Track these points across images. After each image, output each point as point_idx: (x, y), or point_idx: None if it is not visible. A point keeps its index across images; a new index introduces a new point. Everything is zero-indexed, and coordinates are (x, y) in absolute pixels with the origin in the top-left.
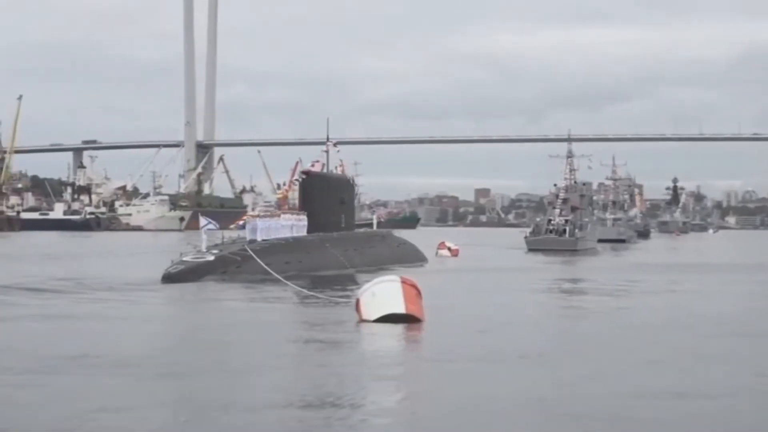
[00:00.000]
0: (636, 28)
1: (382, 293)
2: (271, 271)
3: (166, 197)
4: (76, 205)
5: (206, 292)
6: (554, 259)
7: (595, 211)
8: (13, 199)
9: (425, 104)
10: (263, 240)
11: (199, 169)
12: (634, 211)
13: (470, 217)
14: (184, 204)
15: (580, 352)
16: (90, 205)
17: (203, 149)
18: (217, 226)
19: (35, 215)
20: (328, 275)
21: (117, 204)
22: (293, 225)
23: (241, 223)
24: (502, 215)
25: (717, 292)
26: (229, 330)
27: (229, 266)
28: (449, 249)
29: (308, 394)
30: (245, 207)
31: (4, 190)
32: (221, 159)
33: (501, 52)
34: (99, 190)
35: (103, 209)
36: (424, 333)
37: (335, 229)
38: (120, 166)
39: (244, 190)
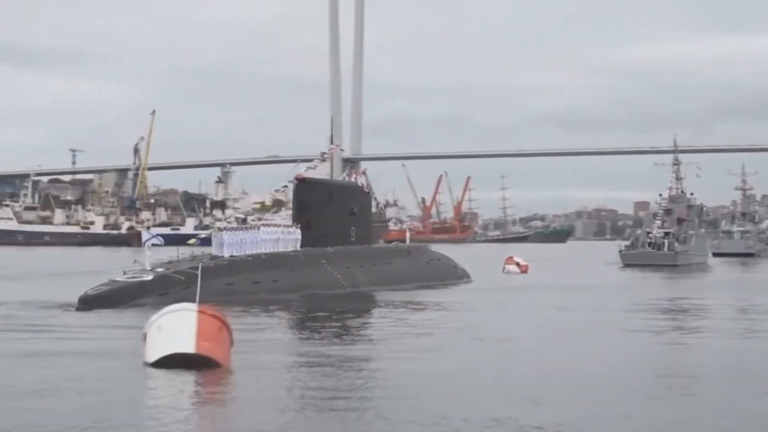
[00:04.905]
0: None
1: (169, 326)
2: (197, 294)
3: None
4: (207, 220)
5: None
6: (646, 276)
7: (723, 223)
8: (144, 214)
9: (584, 116)
10: (230, 256)
11: None
12: (766, 223)
13: (628, 231)
14: None
15: None
16: (222, 220)
17: (347, 163)
18: (162, 241)
19: (166, 230)
20: (310, 297)
21: (249, 219)
22: (279, 239)
23: (201, 236)
24: None
25: None
26: None
27: (171, 287)
28: (518, 264)
29: None
30: (388, 221)
31: (138, 205)
32: (363, 173)
33: (662, 62)
34: (236, 205)
35: (234, 224)
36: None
37: (342, 244)
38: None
39: (387, 204)
